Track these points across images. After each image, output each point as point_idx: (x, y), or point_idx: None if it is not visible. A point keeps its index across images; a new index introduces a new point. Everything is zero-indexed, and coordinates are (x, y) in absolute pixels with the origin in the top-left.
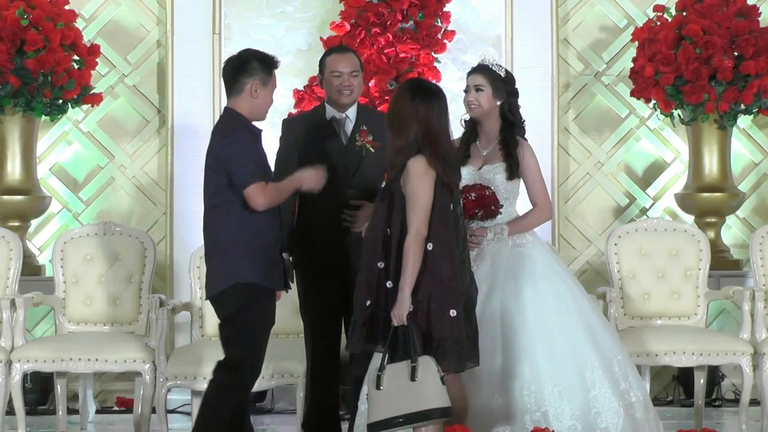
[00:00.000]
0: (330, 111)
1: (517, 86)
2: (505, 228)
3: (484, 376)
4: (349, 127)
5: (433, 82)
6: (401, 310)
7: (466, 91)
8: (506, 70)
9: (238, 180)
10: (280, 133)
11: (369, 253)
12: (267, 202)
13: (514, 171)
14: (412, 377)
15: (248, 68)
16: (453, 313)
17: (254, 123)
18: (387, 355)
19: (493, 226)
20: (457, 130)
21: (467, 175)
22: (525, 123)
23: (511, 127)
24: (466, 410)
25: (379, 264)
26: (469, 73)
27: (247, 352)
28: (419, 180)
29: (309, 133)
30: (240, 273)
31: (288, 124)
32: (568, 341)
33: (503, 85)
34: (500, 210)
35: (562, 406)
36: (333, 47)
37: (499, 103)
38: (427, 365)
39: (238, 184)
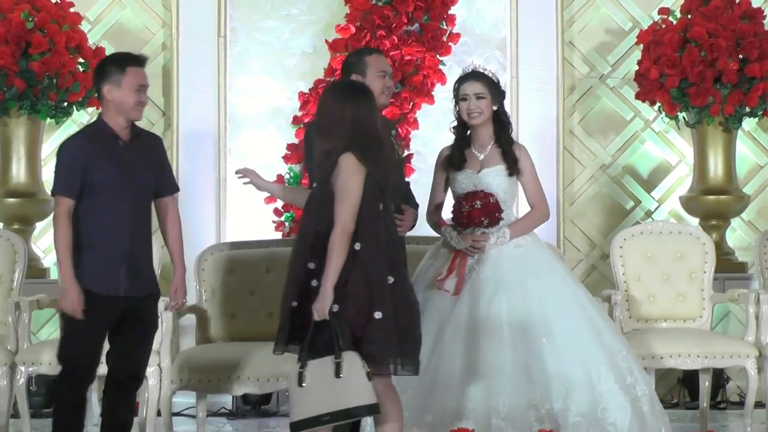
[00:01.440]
0: None
1: (522, 89)
2: (507, 231)
3: (492, 374)
4: None
5: (360, 81)
6: (324, 305)
7: (463, 99)
8: (494, 74)
9: (53, 187)
10: (299, 140)
11: (299, 254)
12: (56, 222)
13: (513, 167)
14: (337, 374)
15: (102, 74)
16: (378, 315)
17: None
18: (308, 352)
19: (495, 231)
20: (445, 138)
21: (466, 179)
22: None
23: (505, 126)
24: (399, 418)
25: (309, 264)
26: (464, 81)
27: (66, 354)
28: (350, 175)
29: None
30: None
31: None
32: (573, 338)
33: (497, 90)
34: (502, 216)
35: (567, 402)
36: (365, 48)
37: (495, 108)
38: (352, 361)
39: (53, 190)
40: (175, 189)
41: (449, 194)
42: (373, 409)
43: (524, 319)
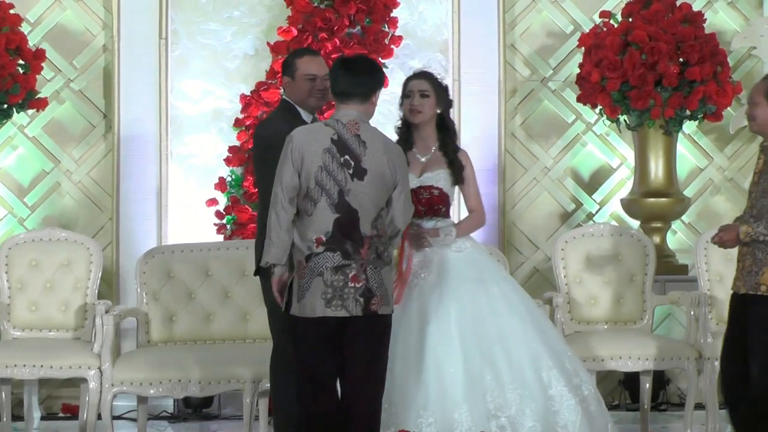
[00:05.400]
0: (305, 115)
1: (464, 92)
2: (454, 230)
3: (448, 386)
4: None
5: None
6: None
7: (407, 96)
8: (444, 80)
9: None
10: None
11: None
12: None
13: (458, 177)
14: None
15: None
16: None
17: None
18: None
19: (443, 228)
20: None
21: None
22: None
23: (450, 134)
24: None
25: None
26: (412, 78)
27: None
28: None
29: None
30: None
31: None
32: (523, 342)
33: (444, 94)
34: (450, 212)
35: (523, 407)
36: (300, 49)
37: (439, 111)
38: None
39: None
40: None
41: None
42: None
43: (475, 325)
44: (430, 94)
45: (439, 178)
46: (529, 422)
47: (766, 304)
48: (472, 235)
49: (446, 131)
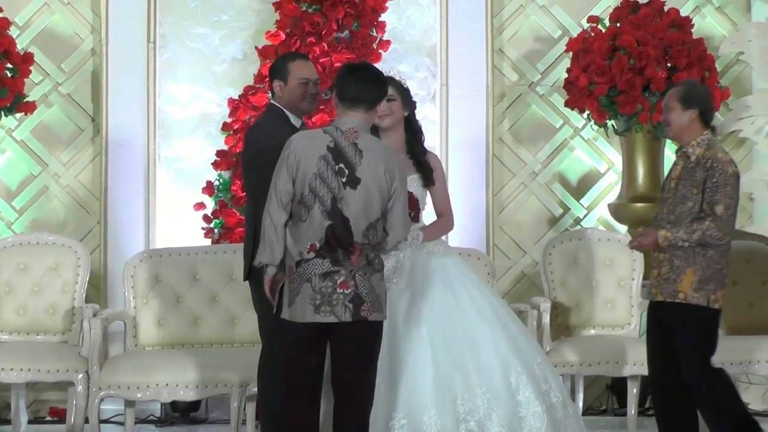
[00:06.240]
0: (294, 119)
1: (452, 96)
2: (421, 234)
3: (418, 389)
4: None
5: None
6: None
7: None
8: (405, 82)
9: None
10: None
11: None
12: None
13: (428, 178)
14: None
15: None
16: None
17: None
18: None
19: (411, 231)
20: None
21: None
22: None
23: (417, 135)
24: None
25: None
26: None
27: None
28: None
29: None
30: None
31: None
32: (492, 347)
33: (408, 96)
34: (420, 216)
35: (490, 412)
36: (291, 53)
37: (406, 114)
38: None
39: None
40: None
41: None
42: None
43: (444, 329)
44: (395, 98)
45: (410, 182)
46: (496, 427)
47: (686, 311)
48: (459, 238)
49: (413, 133)
